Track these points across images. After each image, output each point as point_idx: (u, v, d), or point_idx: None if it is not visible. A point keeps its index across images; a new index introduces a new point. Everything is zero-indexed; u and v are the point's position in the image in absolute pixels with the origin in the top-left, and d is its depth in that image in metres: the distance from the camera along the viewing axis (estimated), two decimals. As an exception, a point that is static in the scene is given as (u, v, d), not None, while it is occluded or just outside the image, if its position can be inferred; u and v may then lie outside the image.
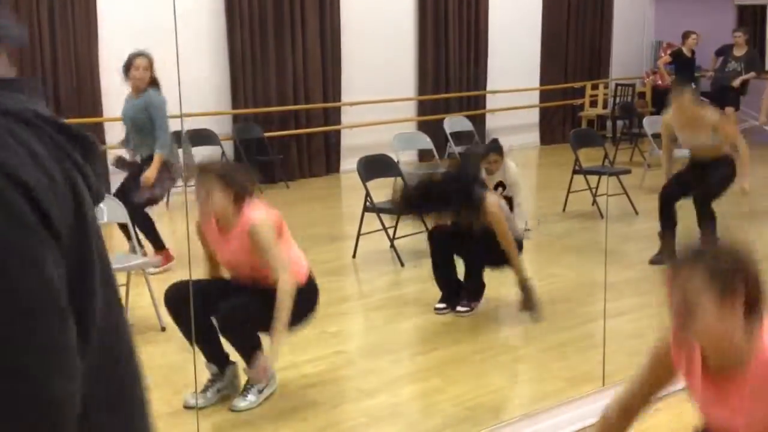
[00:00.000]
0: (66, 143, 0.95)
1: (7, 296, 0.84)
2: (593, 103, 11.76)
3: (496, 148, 5.34)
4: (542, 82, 11.37)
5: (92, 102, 7.77)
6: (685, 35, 10.98)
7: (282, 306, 3.29)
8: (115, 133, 7.68)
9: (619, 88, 12.06)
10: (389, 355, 4.15)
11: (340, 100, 9.57)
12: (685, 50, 10.92)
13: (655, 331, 4.43)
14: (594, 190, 7.24)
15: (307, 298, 3.51)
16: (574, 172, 7.20)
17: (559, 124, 11.27)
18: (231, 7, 8.57)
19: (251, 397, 3.54)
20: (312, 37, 9.19)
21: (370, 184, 5.96)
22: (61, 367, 0.89)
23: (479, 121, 10.28)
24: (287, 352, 3.98)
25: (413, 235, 6.20)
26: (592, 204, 7.17)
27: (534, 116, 11.43)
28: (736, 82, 10.59)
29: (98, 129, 7.63)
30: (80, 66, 7.71)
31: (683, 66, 10.89)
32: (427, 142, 8.11)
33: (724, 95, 10.78)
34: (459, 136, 9.16)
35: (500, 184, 5.27)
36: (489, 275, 5.23)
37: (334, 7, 9.31)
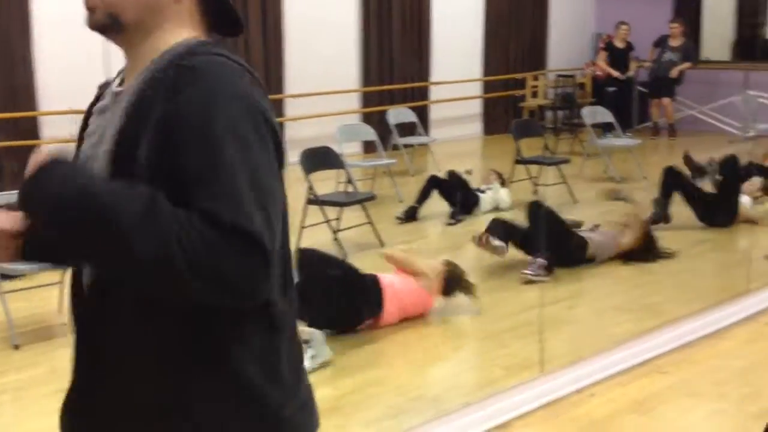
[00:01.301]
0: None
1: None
2: (534, 94, 11.91)
3: None
4: (485, 73, 11.47)
5: (26, 97, 7.59)
6: (617, 27, 11.20)
7: None
8: (49, 128, 7.55)
9: (560, 79, 12.25)
10: (331, 346, 4.16)
11: (282, 93, 9.51)
12: (617, 42, 11.13)
13: (592, 316, 4.56)
14: (535, 180, 7.36)
15: None
16: (516, 162, 7.30)
17: (501, 114, 11.38)
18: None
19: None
20: (254, 28, 9.12)
21: (313, 176, 5.94)
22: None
23: (423, 113, 10.33)
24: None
25: (357, 227, 6.23)
26: (534, 193, 7.27)
27: (477, 107, 11.53)
28: (673, 72, 10.83)
29: (33, 124, 7.47)
30: (14, 61, 7.52)
31: (616, 57, 11.11)
32: (371, 134, 8.12)
33: (661, 85, 11.03)
34: (402, 128, 9.19)
35: None
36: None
37: (276, 6, 9.25)
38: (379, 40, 10.26)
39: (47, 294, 4.38)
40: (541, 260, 4.94)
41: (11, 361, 3.92)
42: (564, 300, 4.71)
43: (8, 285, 4.21)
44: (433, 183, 6.83)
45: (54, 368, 3.69)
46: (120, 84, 1.33)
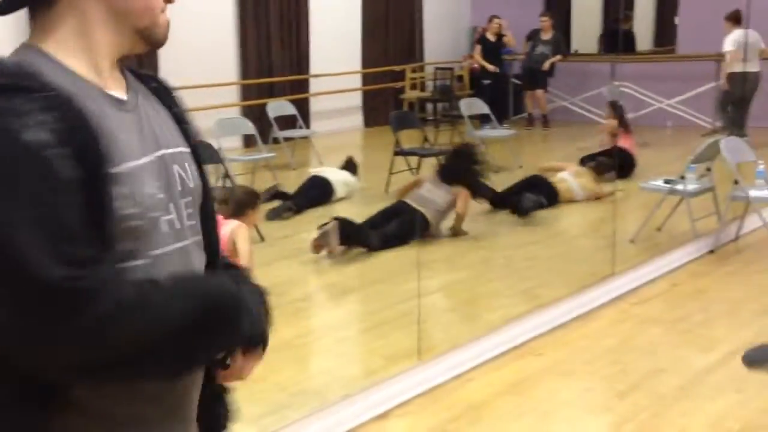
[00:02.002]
0: None
1: None
2: (414, 86, 12.06)
3: None
4: (364, 65, 11.52)
5: None
6: (489, 20, 11.50)
7: None
8: None
9: (439, 71, 12.45)
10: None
11: (159, 86, 9.25)
12: (489, 35, 11.42)
13: (468, 303, 4.66)
14: (415, 171, 7.44)
15: None
16: (395, 153, 7.37)
17: (381, 106, 11.47)
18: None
19: None
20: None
21: (190, 172, 5.80)
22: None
23: (303, 105, 10.28)
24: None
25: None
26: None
27: (357, 99, 11.57)
28: (545, 65, 11.21)
29: None
30: None
31: (489, 50, 11.40)
32: (250, 128, 8.01)
33: (533, 77, 11.39)
34: (283, 121, 9.12)
35: None
36: (310, 262, 5.29)
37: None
38: (257, 32, 10.13)
39: None
40: None
41: None
42: (442, 289, 4.79)
43: None
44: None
45: None
46: None
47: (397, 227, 5.57)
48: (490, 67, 11.25)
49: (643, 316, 4.39)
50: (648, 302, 4.60)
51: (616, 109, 8.19)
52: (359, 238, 5.43)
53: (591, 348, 3.97)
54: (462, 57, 12.75)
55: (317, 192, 6.85)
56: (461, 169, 5.88)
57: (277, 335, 4.16)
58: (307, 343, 4.04)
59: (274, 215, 6.41)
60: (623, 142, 7.76)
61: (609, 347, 3.96)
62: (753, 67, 9.14)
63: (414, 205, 5.73)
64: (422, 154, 7.49)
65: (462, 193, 5.79)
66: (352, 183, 7.13)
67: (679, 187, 5.62)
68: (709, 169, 5.81)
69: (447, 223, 5.91)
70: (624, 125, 8.04)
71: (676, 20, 11.83)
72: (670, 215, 5.85)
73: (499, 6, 12.32)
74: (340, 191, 6.97)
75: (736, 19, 9.24)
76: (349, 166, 7.29)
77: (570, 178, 6.89)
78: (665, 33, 12.38)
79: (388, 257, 5.43)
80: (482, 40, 11.48)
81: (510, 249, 5.72)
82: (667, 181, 5.80)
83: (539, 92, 11.40)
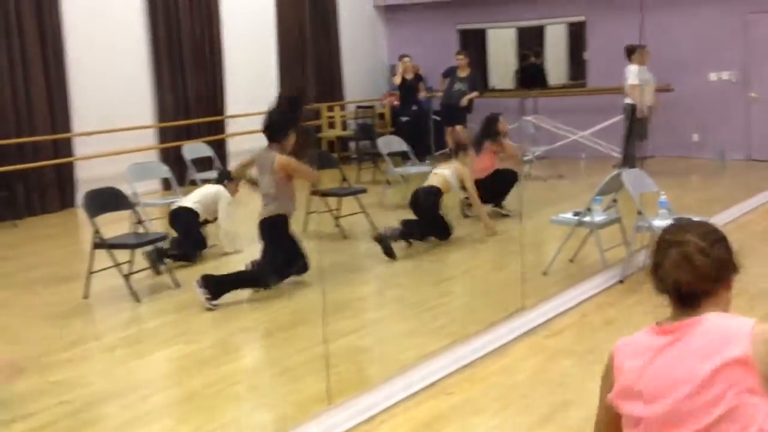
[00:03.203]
0: None
1: None
2: (332, 125, 12.11)
3: None
4: (282, 105, 11.52)
5: None
6: (400, 59, 11.70)
7: None
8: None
9: (359, 110, 12.55)
10: (119, 400, 3.97)
11: (70, 130, 9.06)
12: (404, 74, 11.61)
13: (382, 344, 4.66)
14: (335, 211, 7.43)
15: None
16: (311, 193, 7.36)
17: (299, 146, 11.45)
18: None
19: None
20: (34, 64, 8.65)
21: (101, 218, 5.69)
22: None
23: (221, 146, 10.22)
24: (-2, 411, 3.69)
25: (147, 269, 6.02)
26: (336, 226, 7.35)
27: (276, 139, 11.54)
28: (463, 102, 11.39)
29: None
30: None
31: (405, 88, 11.58)
32: (165, 171, 7.90)
33: (452, 113, 11.57)
34: (199, 162, 9.03)
35: None
36: (224, 307, 5.22)
37: (56, 32, 8.85)
38: (172, 75, 10.06)
39: None
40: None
41: None
42: (356, 331, 4.77)
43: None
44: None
45: None
46: None
47: None
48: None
49: (555, 349, 4.45)
50: (560, 334, 4.67)
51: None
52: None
53: (502, 384, 4.00)
54: (382, 95, 12.89)
55: (184, 229, 6.56)
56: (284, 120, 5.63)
57: (185, 385, 4.11)
58: (216, 392, 3.96)
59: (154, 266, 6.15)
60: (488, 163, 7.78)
61: (519, 382, 4.00)
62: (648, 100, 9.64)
63: None
64: (341, 194, 7.50)
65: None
66: (219, 194, 6.77)
67: (587, 219, 5.76)
68: (615, 201, 5.98)
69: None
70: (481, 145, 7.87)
71: (585, 56, 12.24)
72: (581, 247, 5.99)
73: (415, 44, 12.55)
74: (204, 212, 6.67)
75: (629, 53, 9.76)
76: (221, 177, 7.02)
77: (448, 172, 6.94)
78: (576, 68, 12.78)
79: (312, 297, 5.40)
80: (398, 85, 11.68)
81: (424, 286, 5.75)
82: (575, 214, 5.94)
83: (459, 128, 11.57)
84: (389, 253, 6.30)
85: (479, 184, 7.22)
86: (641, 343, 1.89)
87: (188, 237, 6.56)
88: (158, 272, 6.09)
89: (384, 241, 6.33)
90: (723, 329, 1.80)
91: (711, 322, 1.82)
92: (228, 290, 5.36)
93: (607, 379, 1.95)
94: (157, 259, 6.09)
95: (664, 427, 1.79)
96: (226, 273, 5.55)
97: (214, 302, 5.26)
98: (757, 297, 4.93)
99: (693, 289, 1.86)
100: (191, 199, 6.75)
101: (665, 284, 1.88)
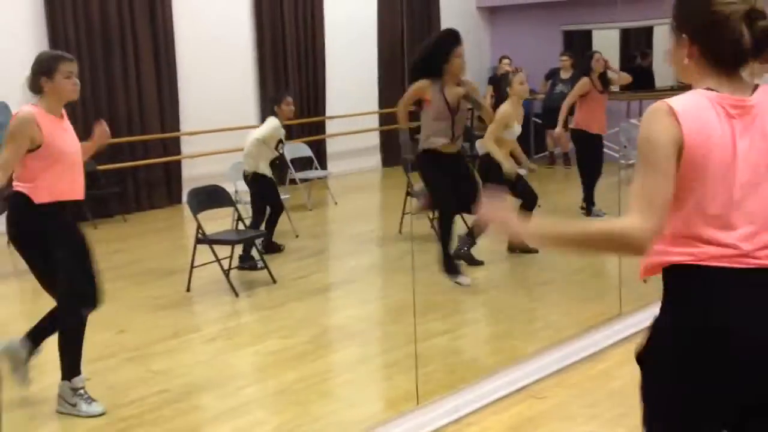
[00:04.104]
0: None
1: None
2: (433, 126, 12.10)
3: None
4: (381, 105, 11.63)
5: None
6: (499, 61, 11.59)
7: None
8: None
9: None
10: (215, 390, 4.10)
11: (179, 130, 9.41)
12: (500, 75, 11.49)
13: (474, 346, 4.63)
14: (432, 213, 7.42)
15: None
16: (407, 194, 7.38)
17: (400, 146, 11.53)
18: (54, 34, 8.26)
19: None
20: (146, 66, 9.02)
21: (204, 215, 5.89)
22: None
23: (320, 147, 10.39)
24: (103, 396, 3.86)
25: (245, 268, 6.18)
26: (431, 227, 7.33)
27: (375, 139, 11.66)
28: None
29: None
30: None
31: (499, 90, 11.45)
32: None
33: (553, 116, 11.38)
34: (299, 162, 9.21)
35: None
36: (320, 304, 5.30)
37: (168, 36, 9.19)
38: (275, 75, 10.30)
39: None
40: None
41: None
42: (448, 332, 4.76)
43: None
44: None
45: None
46: None
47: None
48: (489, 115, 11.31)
49: (652, 358, 4.32)
50: (657, 343, 4.53)
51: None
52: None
53: (595, 391, 3.91)
54: (483, 96, 12.81)
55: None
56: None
57: (278, 379, 4.20)
58: (308, 387, 4.03)
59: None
60: None
61: (614, 390, 3.90)
62: None
63: None
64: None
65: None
66: (265, 131, 6.65)
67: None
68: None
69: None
70: None
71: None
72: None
73: (519, 45, 12.41)
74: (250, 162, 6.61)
75: None
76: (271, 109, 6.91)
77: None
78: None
79: (402, 297, 5.42)
80: (494, 80, 11.57)
81: (519, 289, 5.68)
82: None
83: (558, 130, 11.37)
84: (473, 263, 6.04)
85: None
86: (711, 122, 1.79)
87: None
88: (260, 267, 6.16)
89: (461, 257, 5.95)
90: None
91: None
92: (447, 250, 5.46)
93: (664, 132, 1.77)
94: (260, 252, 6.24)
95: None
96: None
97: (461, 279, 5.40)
98: None
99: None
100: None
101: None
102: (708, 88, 1.85)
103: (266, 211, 6.62)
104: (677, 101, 1.82)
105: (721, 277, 1.77)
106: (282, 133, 6.75)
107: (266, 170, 6.63)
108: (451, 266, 5.46)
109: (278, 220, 6.74)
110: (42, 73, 3.68)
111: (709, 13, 1.80)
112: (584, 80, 8.06)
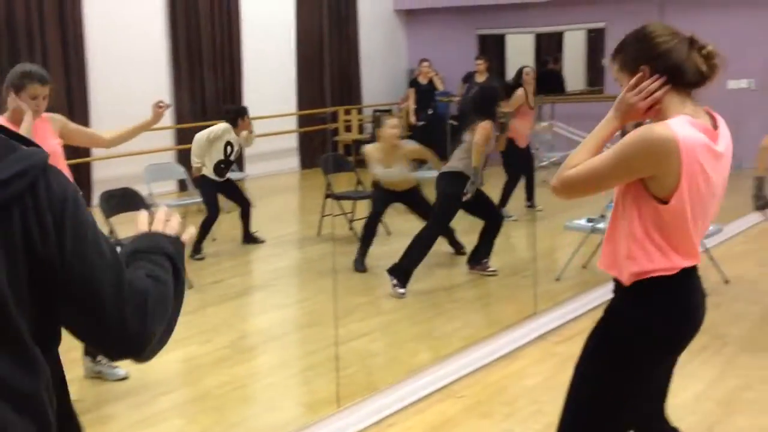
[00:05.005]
0: None
1: None
2: (348, 128, 12.13)
3: None
4: (299, 107, 11.58)
5: None
6: (419, 64, 11.73)
7: None
8: None
9: (377, 114, 12.55)
10: (129, 399, 4.00)
11: (89, 131, 9.15)
12: (420, 79, 11.63)
13: (393, 347, 4.66)
14: (351, 215, 7.42)
15: None
16: (326, 196, 7.37)
17: (319, 148, 11.51)
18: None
19: None
20: (55, 65, 8.73)
21: (117, 218, 5.74)
22: None
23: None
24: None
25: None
26: (350, 229, 7.34)
27: (293, 141, 11.60)
28: (480, 106, 11.41)
29: None
30: None
31: (421, 93, 11.60)
32: (181, 172, 7.95)
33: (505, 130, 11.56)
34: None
35: None
36: (239, 308, 5.23)
37: (78, 36, 8.93)
38: (191, 76, 10.13)
39: None
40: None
41: None
42: (367, 334, 4.78)
43: None
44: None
45: None
46: None
47: None
48: (412, 118, 11.48)
49: (566, 354, 4.43)
50: (570, 340, 4.64)
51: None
52: None
53: (512, 388, 3.99)
54: (400, 99, 12.91)
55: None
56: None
57: (197, 385, 4.12)
58: (227, 393, 3.98)
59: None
60: None
61: (529, 387, 3.99)
62: None
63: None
64: (355, 198, 7.50)
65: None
66: (213, 129, 6.83)
67: (601, 225, 5.74)
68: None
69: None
70: None
71: (604, 62, 12.19)
72: (594, 253, 5.96)
73: (435, 48, 12.56)
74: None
75: None
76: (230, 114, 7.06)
77: None
78: (594, 75, 12.73)
79: (322, 299, 5.41)
80: (414, 83, 11.69)
81: (436, 290, 5.75)
82: (589, 220, 5.91)
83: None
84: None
85: None
86: (703, 143, 2.08)
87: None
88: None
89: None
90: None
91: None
92: (413, 269, 5.50)
93: (663, 162, 2.03)
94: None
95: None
96: (401, 256, 5.55)
97: (402, 290, 5.43)
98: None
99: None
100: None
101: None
102: (688, 116, 2.11)
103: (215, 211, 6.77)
104: (683, 137, 2.05)
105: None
106: (233, 138, 6.87)
107: (209, 173, 6.75)
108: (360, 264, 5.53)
109: (211, 227, 6.74)
110: (12, 86, 3.76)
111: (657, 46, 2.11)
112: (520, 92, 8.19)
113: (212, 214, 6.75)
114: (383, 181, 6.36)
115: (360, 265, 6.16)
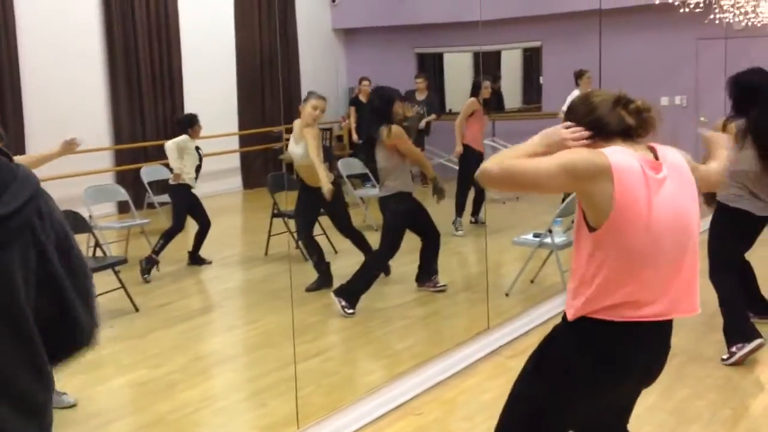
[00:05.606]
0: None
1: None
2: (291, 147, 12.09)
3: None
4: (240, 127, 11.49)
5: None
6: (359, 83, 11.79)
7: None
8: None
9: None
10: (76, 428, 3.88)
11: (24, 152, 8.89)
12: (361, 97, 11.70)
13: (348, 366, 4.64)
14: (296, 234, 7.37)
15: None
16: (273, 215, 7.32)
17: (262, 168, 11.44)
18: None
19: None
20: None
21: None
22: None
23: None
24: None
25: (108, 292, 5.91)
26: (296, 248, 7.29)
27: (235, 161, 11.49)
28: (421, 124, 11.50)
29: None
30: None
31: (361, 111, 11.66)
32: (122, 194, 7.80)
33: (409, 136, 11.66)
34: (157, 185, 8.92)
35: None
36: (188, 331, 5.15)
37: (12, 59, 8.71)
38: (129, 98, 9.97)
39: None
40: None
41: None
42: (320, 353, 4.75)
43: None
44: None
45: None
46: None
47: None
48: (354, 136, 11.52)
49: (518, 368, 4.46)
50: (523, 354, 4.66)
51: None
52: None
53: (469, 404, 4.01)
54: (341, 117, 12.93)
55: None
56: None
57: (149, 411, 4.03)
58: (182, 417, 3.90)
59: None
60: None
61: (486, 402, 4.01)
62: None
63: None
64: (301, 216, 7.44)
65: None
66: (177, 139, 7.07)
67: (547, 240, 5.84)
68: (574, 222, 6.06)
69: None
70: None
71: (541, 80, 12.46)
72: (542, 268, 6.05)
73: (374, 67, 12.63)
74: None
75: (577, 77, 9.90)
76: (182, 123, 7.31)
77: None
78: (532, 92, 12.99)
79: (273, 320, 5.36)
80: (355, 101, 11.74)
81: (389, 307, 5.75)
82: (536, 235, 6.01)
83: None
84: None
85: None
86: (638, 169, 2.12)
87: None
88: (147, 281, 6.52)
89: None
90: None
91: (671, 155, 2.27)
92: (362, 293, 5.45)
93: (598, 177, 2.10)
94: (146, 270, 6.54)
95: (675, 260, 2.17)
96: (351, 278, 5.48)
97: (351, 311, 5.37)
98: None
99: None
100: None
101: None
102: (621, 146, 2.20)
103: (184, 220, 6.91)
104: (614, 161, 2.12)
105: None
106: (194, 145, 7.16)
107: (191, 179, 7.02)
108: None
109: (173, 237, 6.78)
110: None
111: (588, 103, 2.28)
112: (472, 100, 8.53)
113: (177, 225, 6.85)
114: (294, 163, 6.53)
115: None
